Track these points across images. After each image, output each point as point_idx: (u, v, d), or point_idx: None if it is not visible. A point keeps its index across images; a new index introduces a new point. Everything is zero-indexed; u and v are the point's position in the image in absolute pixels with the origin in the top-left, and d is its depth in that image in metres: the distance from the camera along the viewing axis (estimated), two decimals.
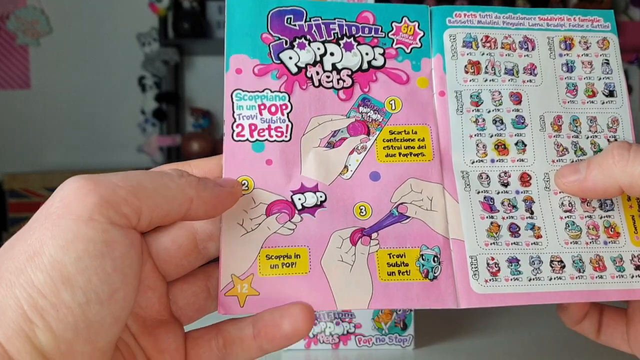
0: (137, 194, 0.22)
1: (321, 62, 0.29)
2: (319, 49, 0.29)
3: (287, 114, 0.28)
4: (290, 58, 0.29)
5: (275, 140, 0.28)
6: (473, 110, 0.29)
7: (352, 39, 0.30)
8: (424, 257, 0.27)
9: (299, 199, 0.27)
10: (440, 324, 0.54)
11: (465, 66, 0.30)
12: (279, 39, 0.29)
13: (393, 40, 0.30)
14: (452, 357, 0.48)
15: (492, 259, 0.27)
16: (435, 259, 0.27)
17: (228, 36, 0.29)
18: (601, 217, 0.28)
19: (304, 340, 0.49)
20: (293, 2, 0.29)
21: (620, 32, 0.51)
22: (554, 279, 0.27)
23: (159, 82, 2.05)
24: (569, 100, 0.30)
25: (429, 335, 0.50)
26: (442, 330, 0.52)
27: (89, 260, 0.20)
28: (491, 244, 0.27)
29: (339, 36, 0.30)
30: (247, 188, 0.27)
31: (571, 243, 0.27)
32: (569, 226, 0.28)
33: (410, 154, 0.28)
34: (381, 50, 0.30)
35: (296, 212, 0.27)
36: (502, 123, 0.29)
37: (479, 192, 0.28)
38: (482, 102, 0.30)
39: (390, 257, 0.27)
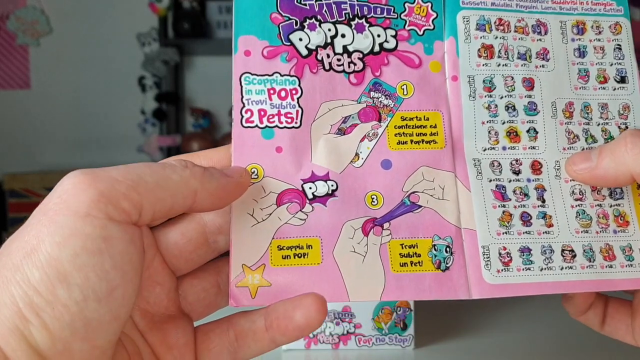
0: (137, 188, 0.21)
1: (332, 44, 0.28)
2: (329, 30, 0.28)
3: (297, 99, 0.27)
4: (301, 40, 0.28)
5: (285, 127, 0.27)
6: (486, 96, 0.29)
7: (363, 19, 0.28)
8: (436, 248, 0.26)
9: (310, 188, 0.26)
10: (440, 324, 0.53)
11: (479, 50, 0.29)
12: (289, 19, 0.28)
13: (405, 22, 0.29)
14: (452, 357, 0.48)
15: (504, 248, 0.26)
16: (448, 249, 0.26)
17: (236, 16, 0.28)
18: (611, 206, 0.28)
19: (304, 340, 0.48)
20: None
21: None
22: (565, 268, 0.26)
23: (159, 82, 2.05)
24: (581, 86, 0.30)
25: (429, 335, 0.50)
26: (442, 330, 0.52)
27: (87, 257, 0.20)
28: (503, 233, 0.27)
29: (350, 17, 0.28)
30: (256, 177, 0.26)
31: (582, 232, 0.27)
32: (579, 215, 0.27)
33: (422, 141, 0.28)
34: (393, 32, 0.29)
35: (307, 201, 0.26)
36: (514, 109, 0.29)
37: (490, 181, 0.28)
38: (494, 88, 0.29)
39: (402, 248, 0.26)
